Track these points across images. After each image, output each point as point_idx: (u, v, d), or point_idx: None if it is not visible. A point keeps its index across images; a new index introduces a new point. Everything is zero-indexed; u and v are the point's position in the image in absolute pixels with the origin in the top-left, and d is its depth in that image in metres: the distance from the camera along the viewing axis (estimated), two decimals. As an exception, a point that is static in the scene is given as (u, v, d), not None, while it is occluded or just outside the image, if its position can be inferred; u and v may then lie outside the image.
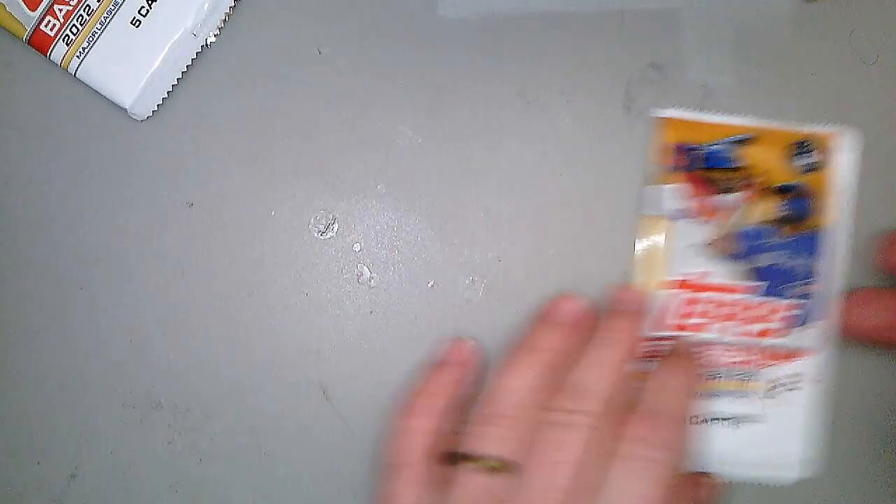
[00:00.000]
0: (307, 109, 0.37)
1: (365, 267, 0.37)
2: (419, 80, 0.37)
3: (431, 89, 0.37)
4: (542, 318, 0.36)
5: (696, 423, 0.36)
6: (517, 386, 0.33)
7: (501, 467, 0.32)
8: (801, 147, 0.36)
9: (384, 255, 0.37)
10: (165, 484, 0.37)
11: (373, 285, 0.37)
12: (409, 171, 0.37)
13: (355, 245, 0.37)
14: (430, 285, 0.37)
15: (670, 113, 0.37)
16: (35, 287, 0.37)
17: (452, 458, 0.33)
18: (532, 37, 0.37)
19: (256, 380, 0.37)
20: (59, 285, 0.37)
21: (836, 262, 0.36)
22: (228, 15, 0.36)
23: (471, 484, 0.32)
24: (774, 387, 0.36)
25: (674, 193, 0.36)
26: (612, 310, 0.36)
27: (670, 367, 0.34)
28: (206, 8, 0.36)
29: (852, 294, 0.36)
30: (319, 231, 0.37)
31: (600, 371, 0.33)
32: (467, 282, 0.37)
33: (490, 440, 0.32)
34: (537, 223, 0.37)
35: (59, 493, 0.37)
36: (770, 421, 0.36)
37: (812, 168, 0.36)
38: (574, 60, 0.37)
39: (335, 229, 0.37)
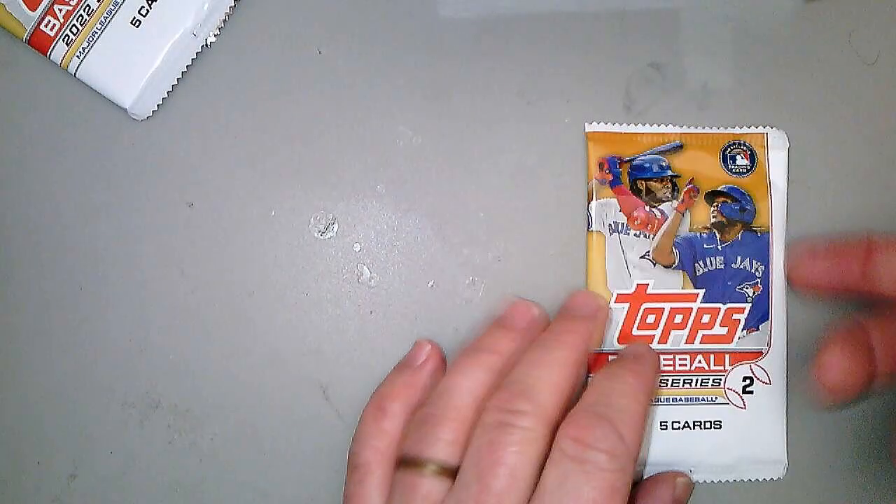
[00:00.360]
0: (307, 109, 0.37)
1: (365, 267, 0.37)
2: (419, 80, 0.37)
3: (431, 89, 0.37)
4: (496, 321, 0.35)
5: (648, 426, 0.35)
6: (463, 386, 0.32)
7: (441, 471, 0.31)
8: (733, 150, 0.36)
9: (384, 255, 0.37)
10: (165, 484, 0.37)
11: (373, 285, 0.37)
12: (409, 171, 0.37)
13: (355, 245, 0.37)
14: (430, 285, 0.37)
15: (595, 127, 0.36)
16: (35, 287, 0.37)
17: (401, 460, 0.32)
18: (532, 37, 0.37)
19: (256, 380, 0.37)
20: (59, 285, 0.37)
21: (775, 264, 0.36)
22: (228, 15, 0.36)
23: (410, 488, 0.31)
24: (725, 391, 0.36)
25: (608, 208, 0.36)
26: (562, 313, 0.35)
27: (618, 368, 0.34)
28: (206, 8, 0.36)
29: (823, 351, 0.34)
30: (319, 231, 0.37)
31: (543, 371, 0.32)
32: (467, 282, 0.37)
33: (432, 443, 0.31)
34: (537, 223, 0.37)
35: (59, 493, 0.37)
36: (724, 425, 0.36)
37: (745, 171, 0.36)
38: (574, 60, 0.37)
39: (335, 229, 0.37)
